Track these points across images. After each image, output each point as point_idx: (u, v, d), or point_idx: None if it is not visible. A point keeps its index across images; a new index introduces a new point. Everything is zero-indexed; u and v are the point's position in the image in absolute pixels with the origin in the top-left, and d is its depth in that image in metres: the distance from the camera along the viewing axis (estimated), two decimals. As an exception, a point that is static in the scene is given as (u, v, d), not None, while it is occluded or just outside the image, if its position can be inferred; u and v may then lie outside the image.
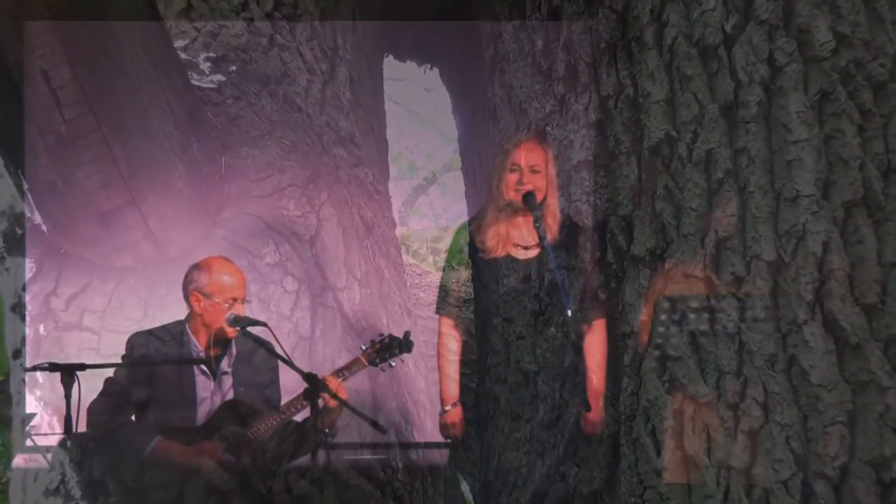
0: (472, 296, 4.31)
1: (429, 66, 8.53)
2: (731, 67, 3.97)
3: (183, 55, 5.36)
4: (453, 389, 3.56)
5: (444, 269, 4.15)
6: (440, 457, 4.24)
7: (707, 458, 3.82)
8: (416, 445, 4.33)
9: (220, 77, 5.47)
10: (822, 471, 3.56)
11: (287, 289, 4.75)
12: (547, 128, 5.05)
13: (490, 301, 3.97)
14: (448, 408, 3.60)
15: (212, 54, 5.57)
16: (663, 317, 4.06)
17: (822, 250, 3.70)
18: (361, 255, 5.39)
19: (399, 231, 7.96)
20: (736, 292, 3.86)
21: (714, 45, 4.03)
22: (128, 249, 4.43)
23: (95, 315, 4.44)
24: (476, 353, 4.50)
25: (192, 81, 5.17)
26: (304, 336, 4.58)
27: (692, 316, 3.96)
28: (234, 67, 5.53)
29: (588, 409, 3.41)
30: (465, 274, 3.94)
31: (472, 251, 3.83)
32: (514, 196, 3.43)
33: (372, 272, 5.46)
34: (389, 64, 8.37)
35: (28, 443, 2.91)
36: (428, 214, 18.15)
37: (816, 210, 3.72)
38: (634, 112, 4.36)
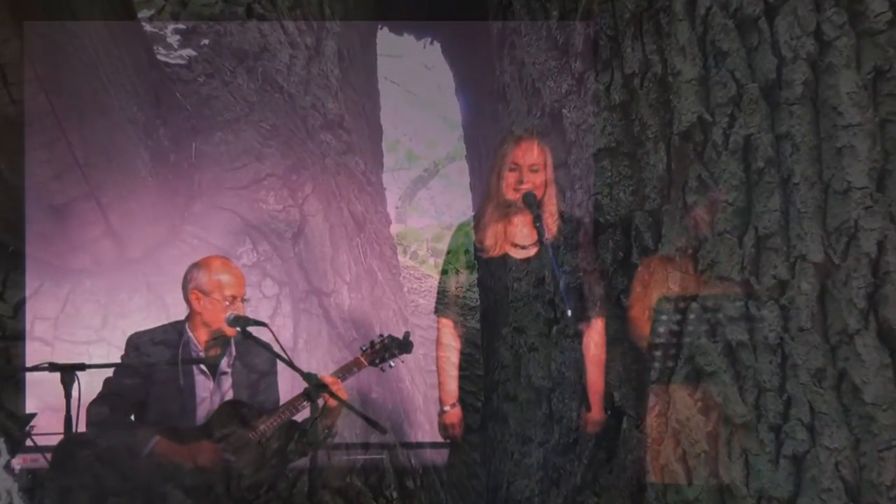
0: (477, 303, 4.32)
1: (429, 40, 8.55)
2: (773, 42, 3.98)
3: (148, 27, 5.40)
4: (453, 389, 3.81)
5: (443, 271, 4.26)
6: (440, 457, 4.59)
7: (745, 488, 3.83)
8: (417, 445, 4.85)
9: (190, 52, 5.51)
10: (876, 501, 3.57)
11: (266, 293, 4.78)
12: (563, 110, 5.07)
13: (498, 308, 4.03)
14: (447, 408, 3.84)
15: (181, 26, 5.61)
16: (695, 326, 4.08)
17: (876, 250, 3.69)
18: (351, 255, 5.42)
19: (395, 229, 7.99)
20: (778, 298, 3.87)
21: (754, 17, 4.04)
22: (85, 248, 4.45)
23: (48, 323, 4.46)
24: (482, 367, 4.53)
25: (159, 57, 5.22)
26: (285, 346, 4.57)
27: (728, 325, 3.97)
28: (206, 41, 5.57)
29: (588, 409, 3.74)
30: (466, 277, 4.08)
31: (474, 251, 4.10)
32: (513, 195, 3.70)
33: (363, 274, 5.49)
34: (384, 38, 8.43)
35: (28, 443, 3.14)
36: (429, 210, 18.12)
37: (870, 204, 3.72)
38: (663, 92, 4.38)
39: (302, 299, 4.90)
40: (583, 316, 3.85)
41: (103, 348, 4.43)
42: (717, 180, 4.10)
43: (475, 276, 4.27)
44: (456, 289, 4.04)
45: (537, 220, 3.61)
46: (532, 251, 3.88)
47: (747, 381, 3.91)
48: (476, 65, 7.16)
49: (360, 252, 5.48)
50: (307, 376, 2.94)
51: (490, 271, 4.03)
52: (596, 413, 3.90)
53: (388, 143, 10.03)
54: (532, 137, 3.95)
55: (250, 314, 3.26)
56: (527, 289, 4.02)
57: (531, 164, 3.75)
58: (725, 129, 4.07)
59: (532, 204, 3.63)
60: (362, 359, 3.34)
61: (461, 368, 4.20)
